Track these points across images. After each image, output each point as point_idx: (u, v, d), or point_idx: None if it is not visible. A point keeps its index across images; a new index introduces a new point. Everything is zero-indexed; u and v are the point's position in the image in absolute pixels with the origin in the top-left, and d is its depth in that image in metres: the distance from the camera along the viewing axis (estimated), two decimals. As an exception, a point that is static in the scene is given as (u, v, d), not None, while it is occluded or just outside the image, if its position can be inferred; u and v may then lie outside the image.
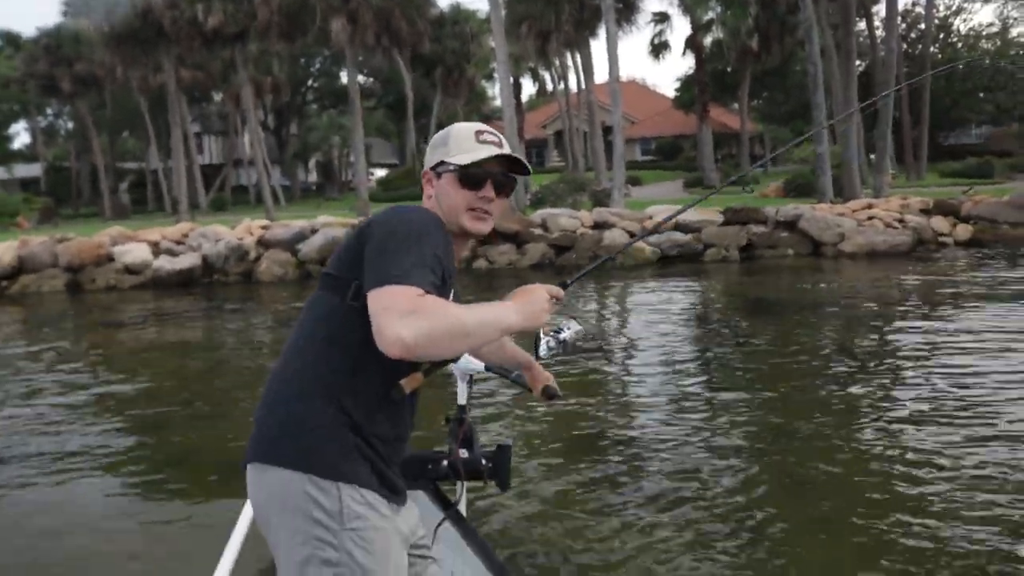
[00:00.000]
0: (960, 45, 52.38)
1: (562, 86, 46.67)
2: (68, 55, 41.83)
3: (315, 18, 32.31)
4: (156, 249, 21.29)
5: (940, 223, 21.08)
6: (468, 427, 2.97)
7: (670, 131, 56.95)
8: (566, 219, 21.40)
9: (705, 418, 7.01)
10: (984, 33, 53.22)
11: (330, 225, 21.73)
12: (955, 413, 6.71)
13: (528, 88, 66.20)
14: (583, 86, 40.68)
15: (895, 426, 6.52)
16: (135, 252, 20.91)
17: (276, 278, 20.47)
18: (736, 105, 50.31)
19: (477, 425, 3.06)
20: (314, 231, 21.41)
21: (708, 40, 44.04)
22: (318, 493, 1.92)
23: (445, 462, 2.88)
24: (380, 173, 55.37)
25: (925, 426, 6.43)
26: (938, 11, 49.88)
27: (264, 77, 45.63)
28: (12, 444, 7.12)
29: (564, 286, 2.11)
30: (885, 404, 7.20)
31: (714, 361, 9.59)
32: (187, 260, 20.84)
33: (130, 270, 20.65)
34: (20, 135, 64.93)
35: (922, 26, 45.78)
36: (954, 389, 7.42)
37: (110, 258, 20.86)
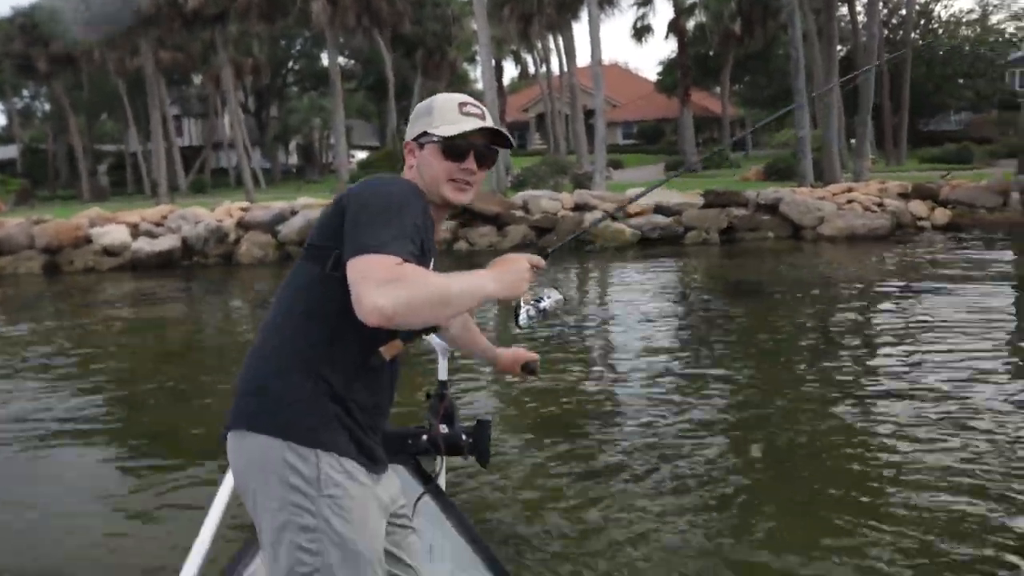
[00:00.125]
0: (941, 31, 52.61)
1: (544, 69, 46.61)
2: (43, 35, 41.33)
3: (295, -1, 32.14)
4: (135, 231, 21.15)
5: (918, 207, 21.22)
6: (448, 402, 2.98)
7: (652, 115, 57.01)
8: (547, 201, 21.40)
9: (684, 395, 7.06)
10: (964, 20, 53.52)
11: (310, 207, 21.64)
12: (931, 388, 6.80)
13: (510, 71, 65.98)
14: (565, 69, 40.64)
15: (871, 401, 6.61)
16: (114, 234, 20.76)
17: (256, 260, 20.39)
18: (718, 89, 50.46)
19: (457, 400, 3.08)
20: (294, 213, 21.31)
21: (691, 24, 44.10)
22: (296, 460, 1.93)
23: (425, 437, 2.89)
24: (361, 155, 55.02)
25: (902, 401, 6.52)
26: (919, -3, 50.10)
27: (244, 59, 45.25)
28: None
29: (545, 255, 2.12)
30: (862, 381, 7.27)
31: (693, 340, 9.64)
32: (166, 242, 20.71)
33: (108, 252, 20.51)
34: (-4, 116, 64.27)
35: (903, 12, 45.97)
36: (930, 366, 7.50)
37: (88, 240, 20.71)
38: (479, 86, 46.91)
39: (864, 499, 4.70)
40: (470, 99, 2.21)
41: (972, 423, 5.89)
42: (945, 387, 6.82)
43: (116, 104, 45.45)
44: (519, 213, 21.03)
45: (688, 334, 10.01)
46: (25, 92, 57.37)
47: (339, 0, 31.70)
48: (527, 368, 2.77)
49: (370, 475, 2.05)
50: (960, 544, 4.11)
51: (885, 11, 46.58)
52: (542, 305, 2.16)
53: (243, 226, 21.30)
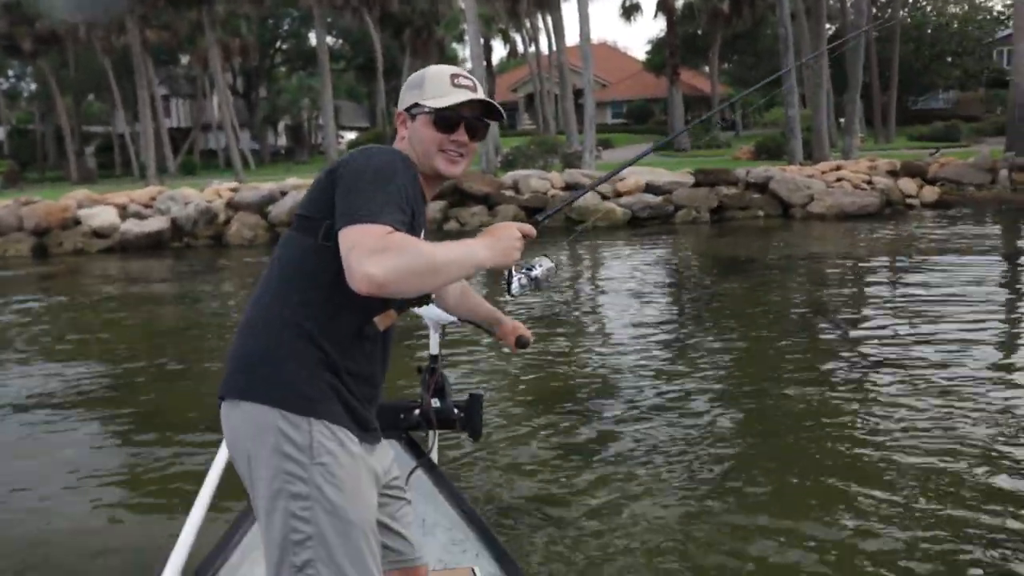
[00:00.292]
0: (929, 9, 52.50)
1: (533, 48, 46.38)
2: (28, 14, 40.89)
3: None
4: (124, 212, 21.04)
5: (907, 185, 21.28)
6: (440, 377, 2.99)
7: (641, 94, 56.77)
8: (537, 181, 21.39)
9: (675, 368, 7.12)
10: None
11: (299, 188, 21.52)
12: (921, 359, 6.90)
13: (499, 51, 65.65)
14: (554, 48, 40.42)
15: (861, 371, 6.71)
16: (102, 215, 20.65)
17: (246, 241, 20.33)
18: (707, 68, 50.30)
19: (449, 375, 3.09)
20: (283, 194, 21.23)
21: (679, 2, 43.93)
22: (288, 427, 1.94)
23: (417, 411, 2.90)
24: (350, 136, 54.82)
25: (891, 371, 6.62)
26: (907, -25, 49.99)
27: (232, 39, 44.85)
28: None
29: (536, 223, 2.13)
30: (852, 353, 7.33)
31: (684, 315, 9.69)
32: (155, 223, 20.62)
33: (97, 234, 20.41)
34: (-20, 97, 63.59)
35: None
36: (919, 339, 7.58)
37: (77, 221, 20.60)
38: (468, 65, 46.70)
39: (855, 463, 4.80)
40: (462, 71, 2.20)
41: (961, 391, 5.99)
42: (934, 358, 6.92)
43: (103, 84, 44.99)
44: (509, 193, 21.02)
45: (678, 310, 10.05)
46: (11, 72, 56.81)
47: (327, -22, 31.47)
48: (520, 341, 2.79)
49: (363, 445, 2.06)
50: (951, 504, 4.20)
51: (873, -11, 46.47)
52: (534, 273, 2.16)
53: (233, 207, 21.22)
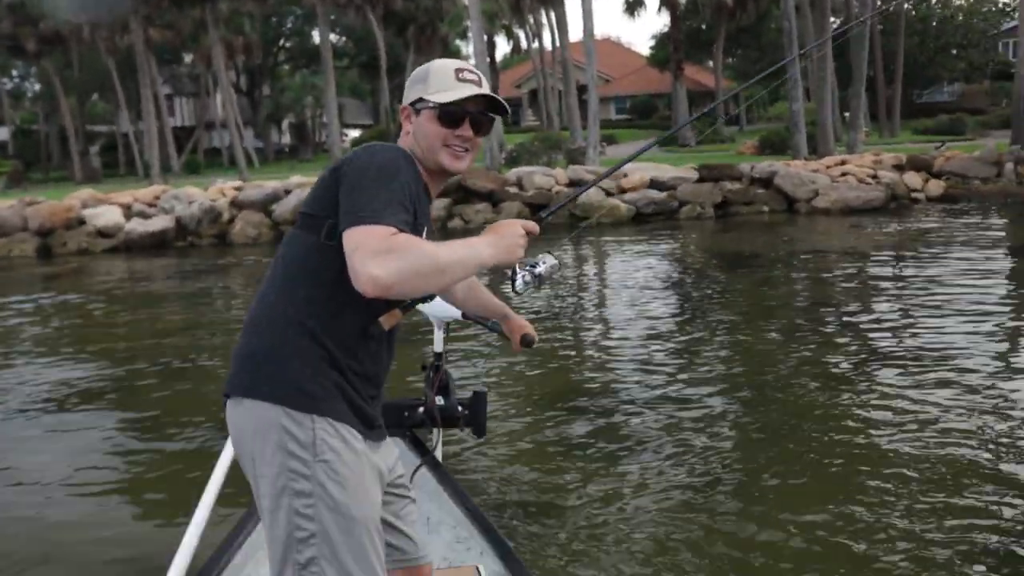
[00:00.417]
0: (934, 1, 52.33)
1: (536, 44, 46.31)
2: (32, 14, 40.91)
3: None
4: (128, 212, 21.05)
5: (913, 179, 21.22)
6: (444, 374, 2.98)
7: (645, 89, 56.67)
8: (541, 177, 21.37)
9: (679, 367, 7.09)
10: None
11: (303, 186, 21.51)
12: (925, 354, 6.90)
13: (502, 47, 65.75)
14: (557, 44, 40.37)
15: (867, 365, 6.71)
16: (107, 215, 20.66)
17: (250, 239, 20.34)
18: (711, 63, 50.14)
19: (453, 372, 3.08)
20: (288, 192, 21.23)
21: (683, -3, 43.75)
22: (292, 425, 1.93)
23: (421, 409, 2.89)
24: (354, 134, 54.78)
25: (896, 367, 6.61)
26: (912, -33, 49.78)
27: (235, 37, 44.83)
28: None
29: (539, 220, 2.11)
30: (856, 348, 7.30)
31: (688, 312, 9.66)
32: (160, 222, 20.63)
33: (102, 233, 20.42)
34: (-15, 98, 63.65)
35: (896, -18, 45.71)
36: (925, 334, 7.56)
37: (81, 221, 20.61)
38: (471, 62, 46.69)
39: (860, 456, 4.81)
40: (467, 65, 2.19)
41: (967, 384, 5.98)
42: (940, 352, 6.91)
43: (107, 84, 45.02)
44: (513, 190, 20.99)
45: (683, 306, 10.03)
46: (15, 72, 56.87)
47: (330, -24, 31.43)
48: (525, 340, 2.77)
49: (367, 442, 2.05)
50: (956, 492, 4.19)
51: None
52: (538, 270, 2.14)
53: (237, 205, 21.22)
